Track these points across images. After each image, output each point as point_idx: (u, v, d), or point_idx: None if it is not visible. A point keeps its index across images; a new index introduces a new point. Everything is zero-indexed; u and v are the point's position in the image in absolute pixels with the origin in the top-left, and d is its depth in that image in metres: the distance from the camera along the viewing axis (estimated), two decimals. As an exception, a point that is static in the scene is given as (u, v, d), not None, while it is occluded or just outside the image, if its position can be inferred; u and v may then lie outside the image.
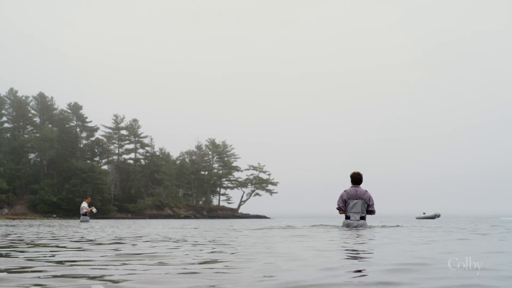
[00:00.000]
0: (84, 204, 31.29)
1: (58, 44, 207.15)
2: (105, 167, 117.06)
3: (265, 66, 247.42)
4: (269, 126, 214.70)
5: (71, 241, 8.54)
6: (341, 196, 13.88)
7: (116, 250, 6.27)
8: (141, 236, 10.03)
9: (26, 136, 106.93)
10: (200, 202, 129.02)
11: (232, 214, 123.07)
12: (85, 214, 31.01)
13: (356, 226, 13.54)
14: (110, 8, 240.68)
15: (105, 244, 7.61)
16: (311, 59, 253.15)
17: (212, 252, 5.86)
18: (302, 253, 5.68)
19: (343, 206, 13.78)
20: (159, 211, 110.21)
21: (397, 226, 16.97)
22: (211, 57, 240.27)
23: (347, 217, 13.86)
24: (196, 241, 8.17)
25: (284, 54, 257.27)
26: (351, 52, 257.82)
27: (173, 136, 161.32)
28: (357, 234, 10.11)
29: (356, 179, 14.07)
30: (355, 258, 5.14)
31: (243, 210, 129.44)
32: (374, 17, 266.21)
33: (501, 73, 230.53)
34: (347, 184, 14.22)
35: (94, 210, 31.34)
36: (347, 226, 13.61)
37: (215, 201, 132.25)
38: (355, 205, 13.71)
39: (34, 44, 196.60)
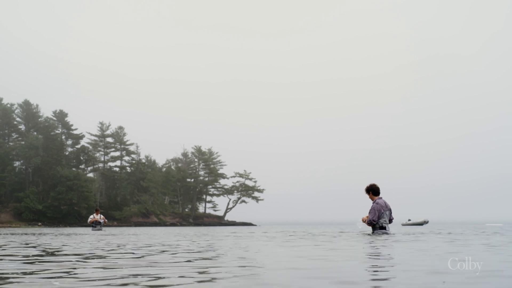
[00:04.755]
0: (91, 216, 31.30)
1: (46, 48, 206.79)
2: (90, 174, 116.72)
3: (250, 75, 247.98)
4: (255, 134, 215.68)
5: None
6: (378, 210, 13.76)
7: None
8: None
9: (11, 143, 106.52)
10: (186, 210, 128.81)
11: (218, 221, 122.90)
12: (92, 225, 30.96)
13: (389, 234, 13.73)
14: (99, 15, 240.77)
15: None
16: (296, 68, 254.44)
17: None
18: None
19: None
20: (145, 218, 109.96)
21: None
22: (197, 64, 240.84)
23: (382, 227, 13.87)
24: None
25: (271, 62, 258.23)
26: (339, 61, 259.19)
27: (158, 143, 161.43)
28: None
29: (379, 190, 14.16)
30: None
31: (229, 217, 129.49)
32: (364, 26, 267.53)
33: (493, 85, 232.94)
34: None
35: (101, 220, 31.13)
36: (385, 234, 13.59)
37: (201, 209, 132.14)
38: (387, 215, 13.89)
39: (20, 46, 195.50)
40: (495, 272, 4.39)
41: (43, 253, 7.51)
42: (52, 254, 7.38)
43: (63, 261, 5.90)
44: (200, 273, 4.53)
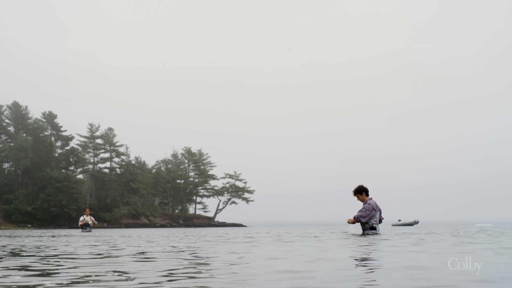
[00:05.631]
0: (81, 217, 31.00)
1: (39, 48, 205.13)
2: (80, 176, 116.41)
3: (247, 75, 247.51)
4: (250, 135, 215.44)
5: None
6: (370, 210, 13.81)
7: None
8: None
9: (0, 145, 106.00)
10: (176, 211, 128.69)
11: (209, 222, 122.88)
12: (82, 227, 30.71)
13: (380, 234, 13.82)
14: (96, 15, 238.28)
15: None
16: (296, 68, 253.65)
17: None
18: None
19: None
20: (135, 220, 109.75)
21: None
22: (195, 65, 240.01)
23: (372, 228, 13.90)
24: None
25: (269, 63, 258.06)
26: (339, 61, 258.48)
27: (148, 144, 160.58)
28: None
29: (368, 191, 14.22)
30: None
31: (219, 218, 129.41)
32: (364, 26, 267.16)
33: (492, 86, 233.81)
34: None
35: (90, 222, 30.82)
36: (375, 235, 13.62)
37: (191, 210, 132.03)
38: (377, 215, 13.95)
39: (13, 46, 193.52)
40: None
41: None
42: None
43: None
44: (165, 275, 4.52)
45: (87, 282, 4.16)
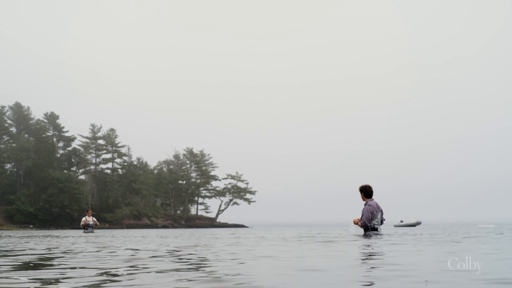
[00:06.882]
0: (83, 218, 30.97)
1: (40, 48, 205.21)
2: (82, 177, 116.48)
3: (247, 76, 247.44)
4: (250, 135, 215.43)
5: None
6: (371, 212, 13.80)
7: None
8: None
9: (2, 146, 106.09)
10: (178, 212, 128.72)
11: (210, 223, 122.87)
12: (84, 228, 30.67)
13: (381, 234, 13.87)
14: (96, 16, 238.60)
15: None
16: (296, 68, 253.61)
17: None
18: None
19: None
20: (137, 220, 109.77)
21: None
22: (187, 64, 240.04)
23: (374, 229, 13.90)
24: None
25: (268, 64, 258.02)
26: (339, 61, 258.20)
27: (148, 145, 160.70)
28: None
29: (371, 193, 14.18)
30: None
31: (221, 219, 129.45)
32: (364, 26, 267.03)
33: (492, 86, 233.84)
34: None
35: (91, 223, 30.76)
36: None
37: (193, 211, 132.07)
38: (379, 216, 13.96)
39: (13, 47, 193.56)
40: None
41: None
42: None
43: None
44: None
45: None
